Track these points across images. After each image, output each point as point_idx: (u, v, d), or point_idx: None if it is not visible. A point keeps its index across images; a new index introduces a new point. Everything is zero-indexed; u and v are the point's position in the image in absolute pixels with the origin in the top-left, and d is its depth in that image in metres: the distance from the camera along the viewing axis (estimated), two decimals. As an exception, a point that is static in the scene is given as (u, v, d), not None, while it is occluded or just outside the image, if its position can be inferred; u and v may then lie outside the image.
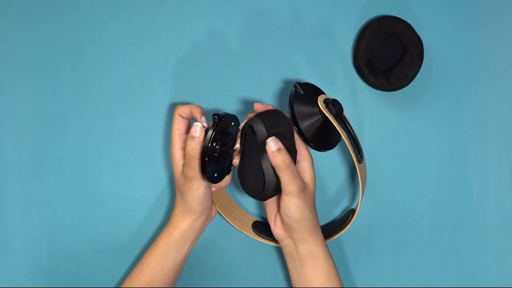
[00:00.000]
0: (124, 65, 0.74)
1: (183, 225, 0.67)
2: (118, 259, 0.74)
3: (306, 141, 0.65)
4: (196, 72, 0.74)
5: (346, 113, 0.70)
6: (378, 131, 0.75)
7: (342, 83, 0.74)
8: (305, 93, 0.66)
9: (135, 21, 0.74)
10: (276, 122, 0.63)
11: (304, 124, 0.65)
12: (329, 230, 0.72)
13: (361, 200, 0.69)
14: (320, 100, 0.65)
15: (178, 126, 0.66)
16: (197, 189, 0.65)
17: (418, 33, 0.72)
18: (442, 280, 0.75)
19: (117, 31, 0.74)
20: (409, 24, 0.71)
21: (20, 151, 0.74)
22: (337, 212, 0.75)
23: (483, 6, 0.75)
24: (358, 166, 0.66)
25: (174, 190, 0.74)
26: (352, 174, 0.75)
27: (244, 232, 0.72)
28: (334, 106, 0.65)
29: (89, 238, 0.74)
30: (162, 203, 0.74)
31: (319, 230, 0.67)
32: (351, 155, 0.66)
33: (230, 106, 0.74)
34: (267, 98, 0.74)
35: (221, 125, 0.63)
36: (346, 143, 0.65)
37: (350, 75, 0.74)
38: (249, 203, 0.75)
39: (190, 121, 0.67)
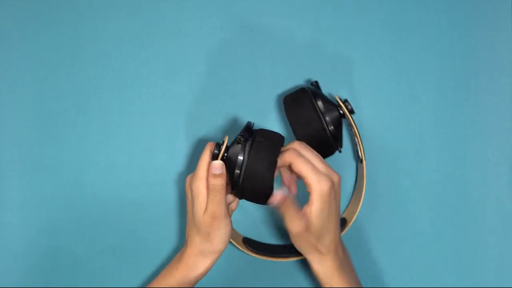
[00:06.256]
0: (123, 65, 0.74)
1: (202, 268, 0.65)
2: (117, 259, 0.74)
3: (332, 135, 0.66)
4: (195, 72, 0.74)
5: (345, 112, 0.70)
6: (377, 131, 0.75)
7: (339, 83, 0.74)
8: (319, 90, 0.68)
9: (134, 21, 0.74)
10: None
11: (327, 120, 0.66)
12: None
13: (359, 208, 0.70)
14: (337, 97, 0.68)
15: (209, 161, 0.63)
16: (225, 226, 0.63)
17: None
18: (442, 280, 0.75)
19: (116, 31, 0.74)
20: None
21: (18, 150, 0.73)
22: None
23: (482, 6, 0.75)
24: (364, 165, 0.69)
25: (173, 191, 0.74)
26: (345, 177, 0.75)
27: (239, 247, 0.70)
28: (349, 103, 0.68)
29: (87, 238, 0.73)
30: (162, 204, 0.74)
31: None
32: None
33: (228, 105, 0.74)
34: (266, 97, 0.74)
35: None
36: (357, 139, 0.68)
37: (348, 75, 0.74)
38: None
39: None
